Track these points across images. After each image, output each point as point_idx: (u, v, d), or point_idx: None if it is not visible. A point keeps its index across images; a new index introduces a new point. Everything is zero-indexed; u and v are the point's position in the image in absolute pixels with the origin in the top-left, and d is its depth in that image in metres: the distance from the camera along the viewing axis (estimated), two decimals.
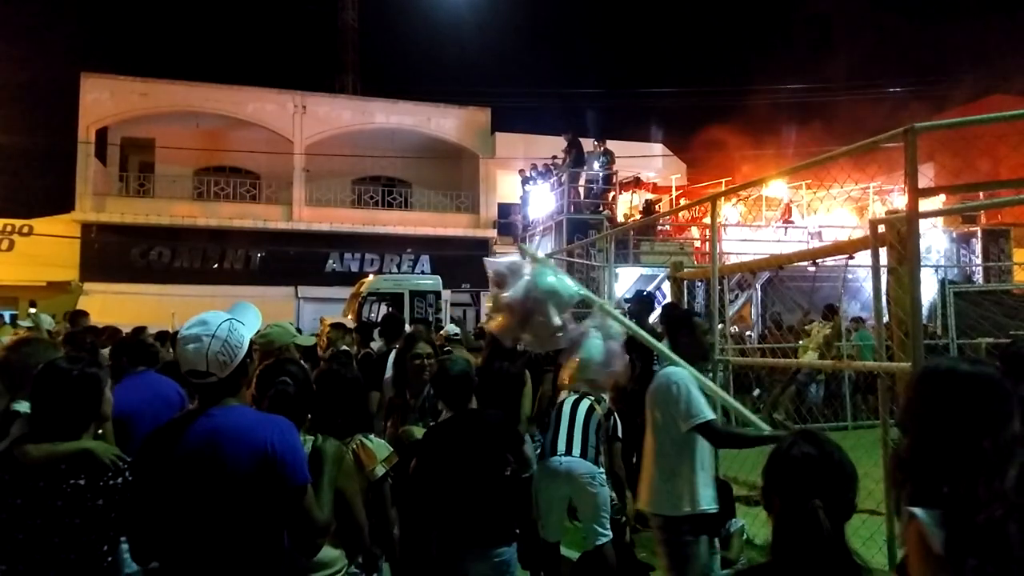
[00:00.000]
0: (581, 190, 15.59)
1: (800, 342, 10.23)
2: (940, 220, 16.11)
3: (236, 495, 2.07)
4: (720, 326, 5.60)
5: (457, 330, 8.05)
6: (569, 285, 3.84)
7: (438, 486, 3.24)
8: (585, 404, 4.76)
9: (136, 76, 22.90)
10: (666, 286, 10.34)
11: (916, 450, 1.70)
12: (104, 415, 2.62)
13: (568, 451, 4.57)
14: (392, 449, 3.08)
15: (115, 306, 17.44)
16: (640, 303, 7.07)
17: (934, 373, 1.78)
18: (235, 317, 2.22)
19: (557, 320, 3.72)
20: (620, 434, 4.96)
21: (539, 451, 5.32)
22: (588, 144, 16.45)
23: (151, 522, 2.16)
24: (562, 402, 4.87)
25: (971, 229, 16.20)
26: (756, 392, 10.79)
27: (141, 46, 35.12)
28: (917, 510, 1.61)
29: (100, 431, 3.68)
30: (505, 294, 3.82)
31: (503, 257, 4.18)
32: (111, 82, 22.57)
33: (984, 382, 1.69)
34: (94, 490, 2.36)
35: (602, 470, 4.67)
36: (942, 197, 13.23)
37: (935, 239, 16.02)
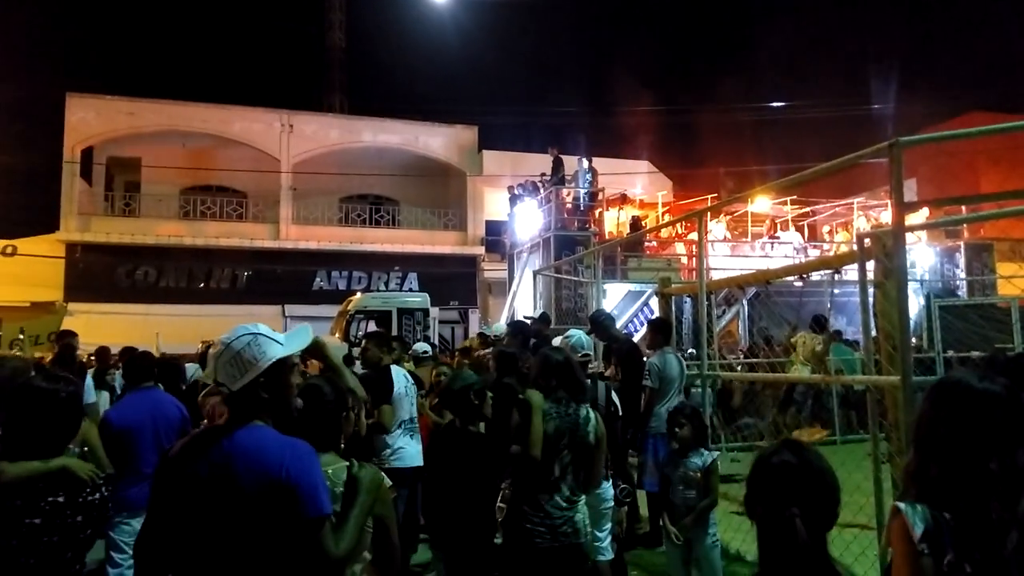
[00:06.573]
0: (566, 206, 15.62)
1: (789, 357, 10.23)
2: (925, 234, 16.26)
3: (246, 521, 1.97)
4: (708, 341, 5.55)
5: (427, 348, 8.02)
6: None
7: None
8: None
9: (122, 96, 22.85)
10: (654, 302, 10.36)
11: (923, 464, 1.67)
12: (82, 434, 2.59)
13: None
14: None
15: (100, 326, 17.25)
16: (539, 321, 7.54)
17: (943, 386, 1.74)
18: (264, 333, 2.15)
19: None
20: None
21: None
22: (574, 162, 16.53)
23: (162, 540, 2.08)
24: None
25: (955, 244, 16.36)
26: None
27: (128, 66, 35.07)
28: (902, 504, 1.62)
29: (85, 448, 3.61)
30: None
31: None
32: (97, 102, 22.50)
33: (996, 399, 1.64)
34: (73, 507, 2.35)
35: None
36: (925, 211, 13.38)
37: (920, 254, 16.16)
